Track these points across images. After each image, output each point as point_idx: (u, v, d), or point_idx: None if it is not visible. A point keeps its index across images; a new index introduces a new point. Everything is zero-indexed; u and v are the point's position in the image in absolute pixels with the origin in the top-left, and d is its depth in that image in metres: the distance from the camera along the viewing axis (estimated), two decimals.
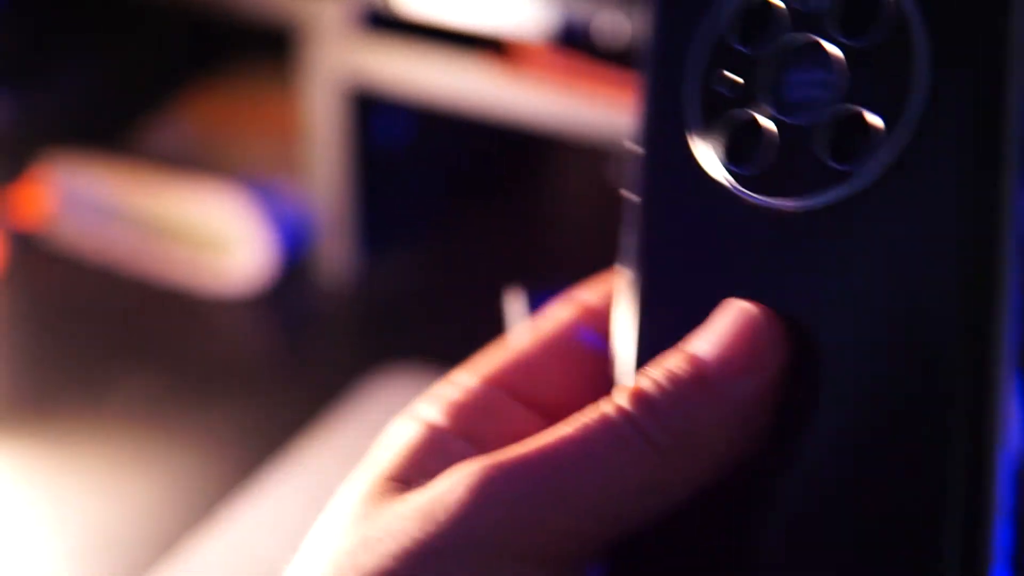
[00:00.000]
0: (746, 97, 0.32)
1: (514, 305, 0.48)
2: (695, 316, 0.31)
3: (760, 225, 0.32)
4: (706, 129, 0.33)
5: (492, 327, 0.65)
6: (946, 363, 0.29)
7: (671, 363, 0.30)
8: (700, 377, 0.29)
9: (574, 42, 0.73)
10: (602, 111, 0.74)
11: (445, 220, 1.01)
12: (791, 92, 0.32)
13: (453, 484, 0.28)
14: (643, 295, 0.32)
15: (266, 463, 0.70)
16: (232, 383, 0.79)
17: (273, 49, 0.95)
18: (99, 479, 0.69)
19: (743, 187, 0.32)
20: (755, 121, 0.32)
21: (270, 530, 0.65)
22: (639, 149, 0.33)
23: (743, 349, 0.30)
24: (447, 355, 0.78)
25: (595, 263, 0.94)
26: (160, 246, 0.91)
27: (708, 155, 0.32)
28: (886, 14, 0.31)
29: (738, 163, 0.32)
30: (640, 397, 0.29)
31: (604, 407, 0.29)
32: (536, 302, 0.48)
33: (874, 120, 0.30)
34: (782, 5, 0.33)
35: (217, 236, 0.91)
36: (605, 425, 0.29)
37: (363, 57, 0.83)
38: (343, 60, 0.84)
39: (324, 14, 0.83)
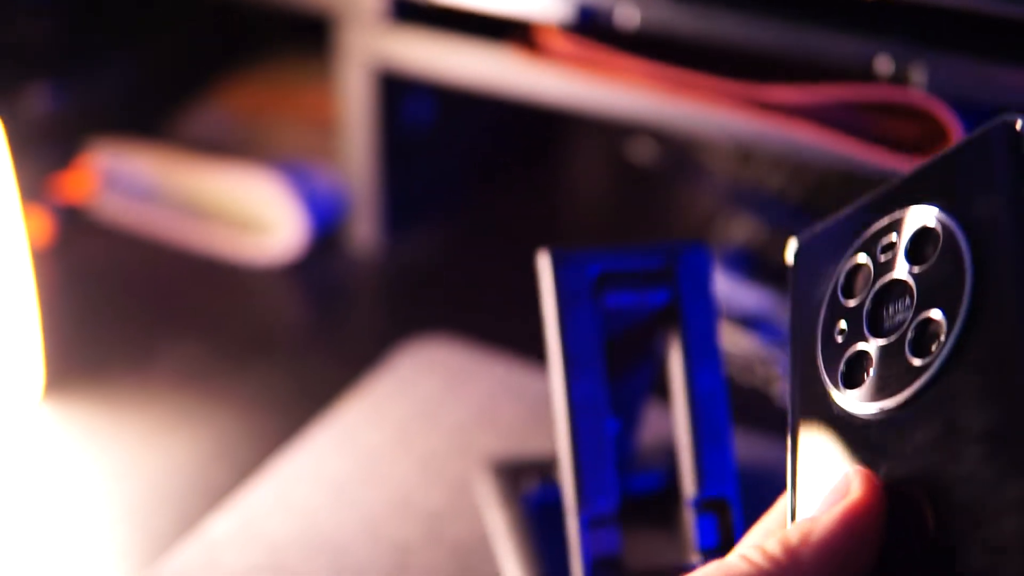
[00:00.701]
0: (855, 337, 0.41)
1: (544, 263, 0.52)
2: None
3: (869, 429, 0.40)
4: (831, 370, 0.42)
5: (513, 297, 0.69)
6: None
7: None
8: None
9: (593, 26, 0.76)
10: (618, 92, 0.77)
11: (469, 197, 1.05)
12: (886, 321, 0.41)
13: None
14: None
15: (304, 425, 0.74)
16: (269, 350, 0.82)
17: (311, 37, 0.99)
18: (149, 438, 0.73)
19: (857, 402, 0.40)
20: (862, 351, 0.41)
21: (311, 483, 0.69)
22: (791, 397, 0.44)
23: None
24: (472, 324, 0.83)
25: (611, 235, 0.99)
26: (199, 224, 0.95)
27: (834, 389, 0.42)
28: (941, 242, 0.39)
29: (855, 387, 0.41)
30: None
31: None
32: (563, 262, 0.52)
33: (936, 316, 0.38)
34: (867, 262, 0.42)
35: (253, 215, 0.95)
36: None
37: (392, 42, 0.86)
38: (373, 45, 0.88)
39: (357, 1, 0.87)
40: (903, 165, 0.66)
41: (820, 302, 0.44)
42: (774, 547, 0.37)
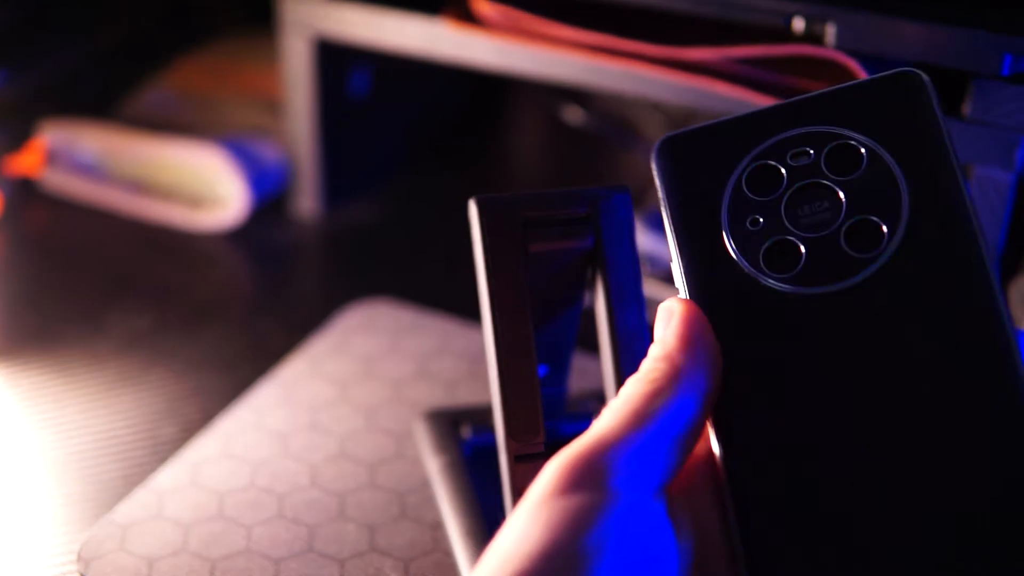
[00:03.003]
0: (770, 230, 0.46)
1: (473, 211, 0.55)
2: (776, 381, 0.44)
3: (809, 310, 0.44)
4: (747, 255, 0.46)
5: (454, 260, 0.72)
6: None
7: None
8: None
9: None
10: (546, 57, 0.80)
11: (411, 164, 1.07)
12: (805, 218, 0.45)
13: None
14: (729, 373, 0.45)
15: (249, 385, 0.76)
16: (216, 316, 0.85)
17: (260, 17, 1.01)
18: (98, 398, 0.75)
19: (792, 284, 0.45)
20: (785, 241, 0.45)
21: (255, 436, 0.71)
22: (685, 279, 0.47)
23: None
24: (413, 287, 0.85)
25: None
26: (146, 197, 0.97)
27: (757, 273, 0.45)
28: (869, 158, 0.45)
29: (781, 273, 0.45)
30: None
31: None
32: (489, 208, 0.55)
33: (878, 221, 0.44)
34: (777, 165, 0.46)
35: (197, 187, 0.97)
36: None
37: (330, 10, 0.89)
38: (312, 13, 0.90)
39: None
40: None
41: (712, 196, 0.47)
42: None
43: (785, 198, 0.46)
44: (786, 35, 0.71)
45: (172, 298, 0.87)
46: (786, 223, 0.46)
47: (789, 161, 0.46)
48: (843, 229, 0.45)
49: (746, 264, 0.46)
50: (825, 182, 0.46)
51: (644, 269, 0.81)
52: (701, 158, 0.49)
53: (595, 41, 0.76)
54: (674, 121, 0.99)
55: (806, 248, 0.45)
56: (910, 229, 0.44)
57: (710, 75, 0.73)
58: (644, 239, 0.85)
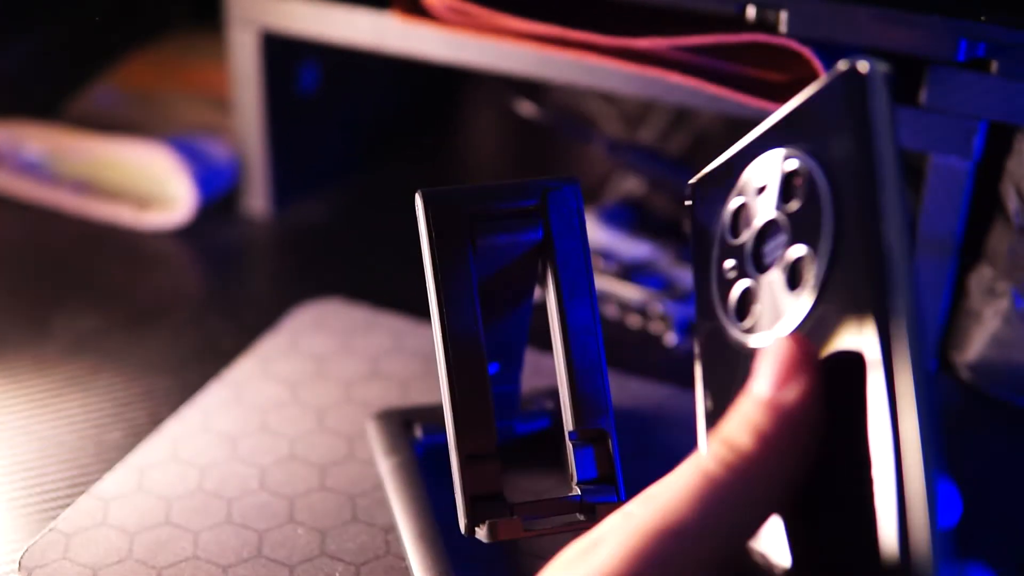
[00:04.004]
0: (742, 273, 0.45)
1: (419, 205, 0.54)
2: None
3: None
4: (724, 304, 0.46)
5: (406, 259, 0.71)
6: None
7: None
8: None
9: None
10: (496, 48, 0.79)
11: (363, 161, 1.06)
12: (766, 257, 0.44)
13: None
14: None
15: (198, 387, 0.74)
16: (164, 317, 0.83)
17: (209, 14, 0.99)
18: (43, 402, 0.73)
19: (747, 334, 0.45)
20: (747, 290, 0.45)
21: (202, 439, 0.69)
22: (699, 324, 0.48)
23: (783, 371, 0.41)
24: (365, 286, 0.84)
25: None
26: (92, 197, 0.96)
27: (728, 323, 0.46)
28: (807, 186, 0.42)
29: (745, 319, 0.45)
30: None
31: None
32: (435, 202, 0.53)
33: (803, 252, 0.42)
34: (748, 202, 0.45)
35: (144, 186, 0.95)
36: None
37: (277, 3, 0.88)
38: (259, 6, 0.89)
39: None
40: (773, 108, 0.68)
41: (712, 242, 0.47)
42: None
43: (751, 239, 0.45)
44: (739, 23, 0.70)
45: (119, 299, 0.85)
46: (749, 267, 0.45)
47: (755, 195, 0.45)
48: (784, 267, 0.43)
49: (723, 316, 0.46)
50: (779, 216, 0.44)
51: (598, 265, 0.80)
52: (708, 201, 0.48)
53: (545, 32, 0.75)
54: (628, 115, 0.98)
55: (760, 293, 0.44)
56: (832, 266, 0.41)
57: (662, 65, 0.72)
58: (599, 234, 0.84)
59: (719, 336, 0.46)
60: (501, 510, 0.52)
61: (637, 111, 0.98)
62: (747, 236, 0.45)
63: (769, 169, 0.44)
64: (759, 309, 0.44)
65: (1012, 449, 0.71)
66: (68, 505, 0.65)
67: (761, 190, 0.45)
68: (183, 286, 0.89)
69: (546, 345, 0.56)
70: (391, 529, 0.63)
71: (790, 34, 0.68)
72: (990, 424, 0.73)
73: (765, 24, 0.69)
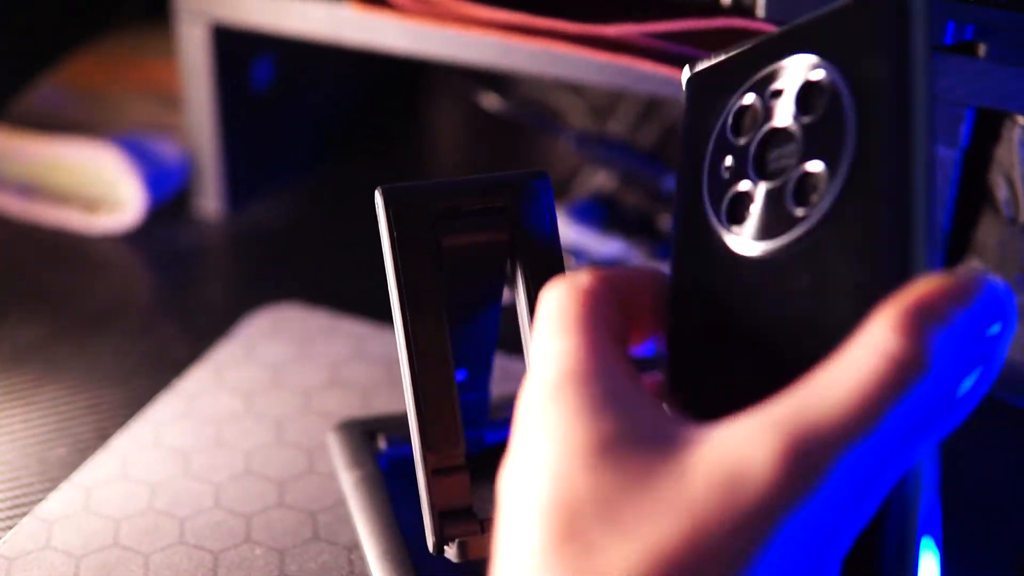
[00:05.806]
0: (740, 175, 0.43)
1: (379, 203, 0.50)
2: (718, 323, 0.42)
3: (748, 267, 0.42)
4: (715, 204, 0.43)
5: (366, 260, 0.68)
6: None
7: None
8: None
9: None
10: (459, 38, 0.76)
11: (322, 159, 1.03)
12: (771, 164, 0.42)
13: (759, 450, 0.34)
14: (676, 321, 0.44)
15: (149, 399, 0.71)
16: (114, 324, 0.80)
17: (158, 11, 0.96)
18: None
19: (734, 236, 0.42)
20: (745, 194, 0.42)
21: (153, 455, 0.66)
22: (674, 225, 0.45)
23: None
24: (323, 289, 0.81)
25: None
26: (39, 201, 0.92)
27: (718, 224, 0.43)
28: (831, 98, 0.39)
29: (738, 223, 0.42)
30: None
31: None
32: (397, 199, 0.50)
33: (819, 169, 0.39)
34: (757, 103, 0.43)
35: (92, 188, 0.92)
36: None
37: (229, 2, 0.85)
38: (210, 2, 0.85)
39: None
40: None
41: (709, 135, 0.45)
42: None
43: (755, 142, 0.43)
44: (714, 8, 0.67)
45: (65, 307, 0.82)
46: (751, 171, 0.42)
47: (768, 99, 0.43)
48: (792, 179, 0.41)
49: (712, 215, 0.43)
50: (793, 125, 0.41)
51: (568, 264, 0.77)
52: (709, 92, 0.46)
53: (509, 20, 0.72)
54: (596, 107, 0.95)
55: (759, 200, 0.42)
56: (847, 186, 0.39)
57: (633, 53, 0.69)
58: (568, 232, 0.81)
59: (703, 235, 0.44)
60: (472, 526, 0.50)
61: (606, 102, 0.95)
62: (752, 138, 0.43)
63: (790, 74, 0.42)
64: (755, 216, 0.42)
65: (1010, 449, 0.69)
66: (10, 528, 0.61)
67: (776, 94, 0.42)
68: (132, 292, 0.86)
69: (516, 349, 0.53)
70: (355, 548, 0.60)
71: (768, 18, 0.65)
72: (986, 424, 0.70)
73: (741, 8, 0.66)
